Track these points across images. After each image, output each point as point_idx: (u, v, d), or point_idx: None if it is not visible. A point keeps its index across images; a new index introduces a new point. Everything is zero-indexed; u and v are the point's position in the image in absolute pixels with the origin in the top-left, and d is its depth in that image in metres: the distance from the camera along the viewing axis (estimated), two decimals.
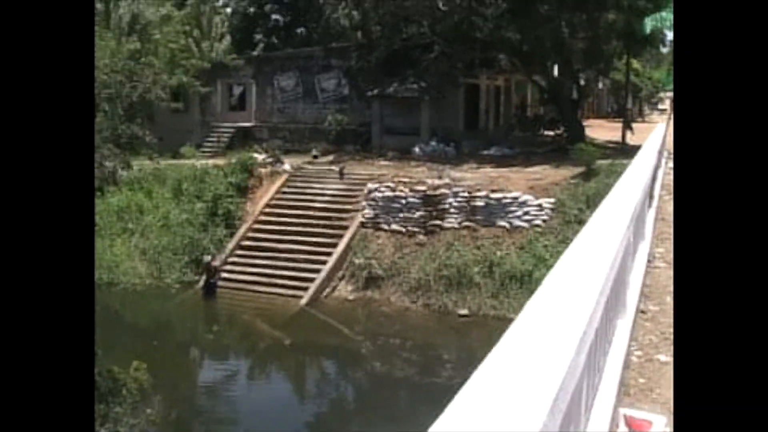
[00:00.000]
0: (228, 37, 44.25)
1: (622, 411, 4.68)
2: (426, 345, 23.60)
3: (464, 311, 23.90)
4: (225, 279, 26.48)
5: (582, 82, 39.56)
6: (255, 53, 45.61)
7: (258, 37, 50.49)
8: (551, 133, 38.83)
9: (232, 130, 38.77)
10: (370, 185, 28.23)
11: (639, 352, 6.34)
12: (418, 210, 27.00)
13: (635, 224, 6.98)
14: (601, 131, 40.13)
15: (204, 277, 26.27)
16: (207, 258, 26.35)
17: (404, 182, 27.90)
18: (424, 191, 27.21)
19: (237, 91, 41.53)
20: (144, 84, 13.18)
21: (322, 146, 35.93)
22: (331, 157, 34.26)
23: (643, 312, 7.07)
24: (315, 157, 34.50)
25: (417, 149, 34.14)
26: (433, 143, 34.56)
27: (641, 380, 5.74)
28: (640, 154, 11.89)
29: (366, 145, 35.99)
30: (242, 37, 47.19)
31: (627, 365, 5.80)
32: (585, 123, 40.62)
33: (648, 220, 10.30)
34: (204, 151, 36.30)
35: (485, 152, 33.75)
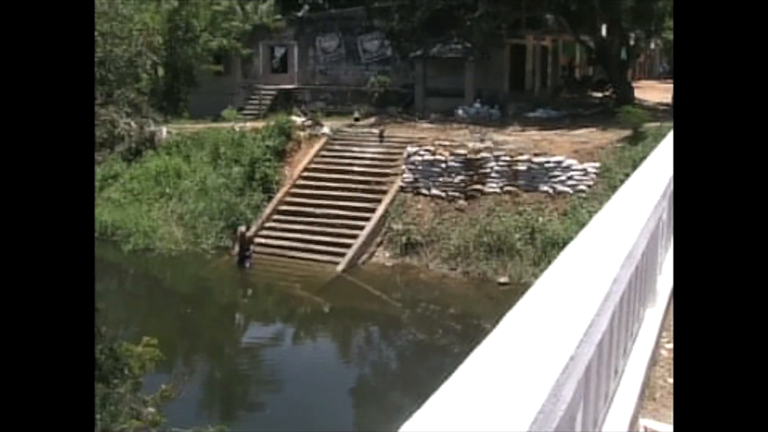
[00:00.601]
0: None
1: (643, 422, 3.99)
2: (464, 314, 23.00)
3: (504, 279, 23.22)
4: (261, 244, 26.09)
5: (632, 42, 38.21)
6: (298, 14, 44.86)
7: None
8: (599, 94, 37.76)
9: (274, 92, 38.27)
10: (410, 149, 27.54)
11: (670, 345, 5.50)
12: (458, 174, 26.28)
13: (671, 199, 6.26)
14: (652, 92, 38.89)
15: (237, 247, 25.80)
16: (241, 228, 25.82)
17: (444, 145, 27.17)
18: (464, 155, 26.48)
19: (279, 53, 40.93)
20: (134, 48, 12.63)
21: (364, 108, 35.28)
22: (372, 120, 33.58)
23: None
24: (356, 119, 33.86)
25: (461, 111, 33.35)
26: (477, 105, 33.74)
27: (670, 380, 4.94)
28: None
29: (409, 107, 35.26)
30: None
31: (654, 361, 5.10)
32: (635, 84, 39.47)
33: None
34: (246, 114, 35.80)
35: (530, 114, 32.83)
